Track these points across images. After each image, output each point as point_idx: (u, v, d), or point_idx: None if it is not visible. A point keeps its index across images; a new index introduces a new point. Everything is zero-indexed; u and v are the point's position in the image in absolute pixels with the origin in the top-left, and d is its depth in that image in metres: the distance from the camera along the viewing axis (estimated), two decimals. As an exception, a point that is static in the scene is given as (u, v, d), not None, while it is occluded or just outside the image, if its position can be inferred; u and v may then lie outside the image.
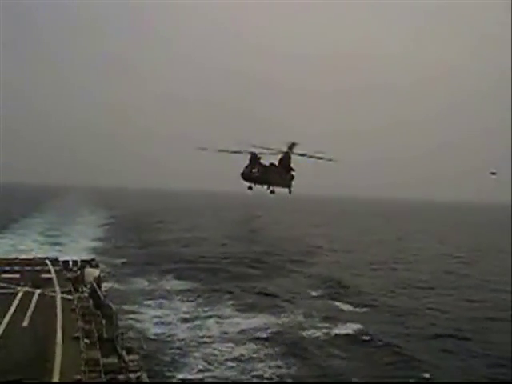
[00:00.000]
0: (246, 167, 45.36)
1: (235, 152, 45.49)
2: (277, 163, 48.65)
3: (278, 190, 48.33)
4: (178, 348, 44.35)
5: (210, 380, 38.37)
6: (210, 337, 47.66)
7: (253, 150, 45.43)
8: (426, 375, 40.59)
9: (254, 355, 43.64)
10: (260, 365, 41.45)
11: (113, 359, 23.13)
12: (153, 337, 46.57)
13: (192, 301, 61.20)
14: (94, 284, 34.43)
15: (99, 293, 32.06)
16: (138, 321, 51.06)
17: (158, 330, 48.93)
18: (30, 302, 30.68)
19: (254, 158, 45.59)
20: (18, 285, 34.85)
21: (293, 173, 50.49)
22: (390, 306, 63.64)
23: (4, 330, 25.15)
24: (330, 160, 46.32)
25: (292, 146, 47.13)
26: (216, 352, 43.71)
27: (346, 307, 62.21)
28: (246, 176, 45.33)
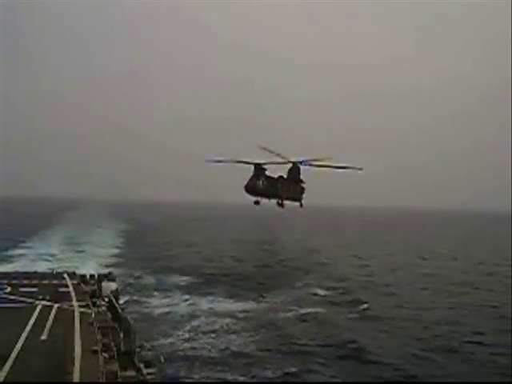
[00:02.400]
0: (251, 179, 42.65)
1: (240, 162, 42.98)
2: (285, 175, 46.37)
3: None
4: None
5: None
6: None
7: (257, 161, 42.86)
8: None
9: (232, 327, 53.41)
10: (233, 335, 50.54)
11: (131, 372, 23.18)
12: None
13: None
14: (112, 297, 34.62)
15: (117, 306, 32.19)
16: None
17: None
18: (49, 315, 30.95)
19: (259, 170, 42.82)
20: (37, 298, 35.20)
21: (303, 185, 48.43)
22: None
23: (24, 343, 25.36)
24: (361, 169, 43.70)
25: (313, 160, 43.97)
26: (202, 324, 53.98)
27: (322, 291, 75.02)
28: (250, 189, 42.54)
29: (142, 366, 24.12)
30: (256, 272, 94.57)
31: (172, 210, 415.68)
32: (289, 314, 60.80)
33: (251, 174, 43.90)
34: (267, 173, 44.95)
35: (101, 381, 20.63)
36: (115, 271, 52.58)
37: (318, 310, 63.39)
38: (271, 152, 42.21)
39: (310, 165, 45.78)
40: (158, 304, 62.98)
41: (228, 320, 55.96)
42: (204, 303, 63.98)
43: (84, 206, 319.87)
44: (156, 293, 69.72)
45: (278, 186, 45.08)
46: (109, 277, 43.08)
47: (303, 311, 62.02)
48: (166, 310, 59.99)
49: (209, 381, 38.79)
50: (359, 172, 44.91)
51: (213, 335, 50.11)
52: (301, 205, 49.30)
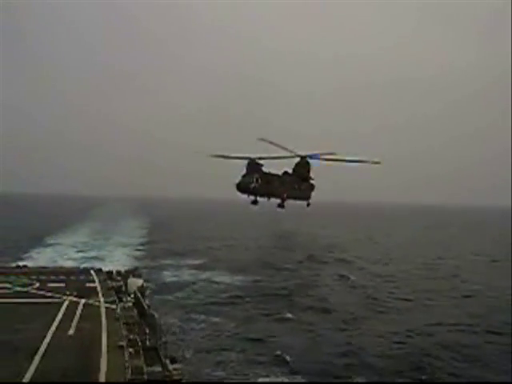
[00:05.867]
0: (243, 176, 37.46)
1: (237, 158, 38.01)
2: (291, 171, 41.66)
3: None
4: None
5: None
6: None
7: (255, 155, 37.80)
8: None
9: (228, 293, 70.33)
10: (225, 294, 69.43)
11: (156, 368, 23.23)
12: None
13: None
14: (138, 293, 34.80)
15: (142, 302, 32.33)
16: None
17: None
18: (76, 310, 31.26)
19: (254, 165, 37.82)
20: (64, 294, 35.62)
21: (312, 182, 43.02)
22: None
23: (51, 338, 25.65)
24: (378, 163, 39.11)
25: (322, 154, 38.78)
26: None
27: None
28: (242, 187, 37.32)
29: (167, 361, 24.15)
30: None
31: (178, 205, 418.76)
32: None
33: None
34: (272, 170, 40.17)
35: (127, 376, 20.73)
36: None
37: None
38: (271, 143, 37.31)
39: (321, 159, 40.63)
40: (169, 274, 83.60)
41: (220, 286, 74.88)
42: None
43: (106, 204, 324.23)
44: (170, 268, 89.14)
45: (277, 184, 39.59)
46: (135, 273, 43.39)
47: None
48: (175, 278, 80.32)
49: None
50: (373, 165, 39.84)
51: (200, 292, 70.46)
52: (308, 204, 44.03)
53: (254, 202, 39.34)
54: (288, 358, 43.48)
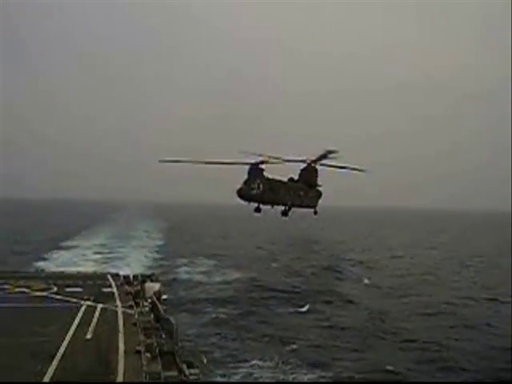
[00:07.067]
0: (245, 182, 35.38)
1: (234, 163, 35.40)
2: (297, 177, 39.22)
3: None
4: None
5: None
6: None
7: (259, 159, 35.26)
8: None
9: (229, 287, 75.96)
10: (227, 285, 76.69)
11: (173, 372, 23.21)
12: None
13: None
14: (155, 298, 34.88)
15: (159, 307, 32.39)
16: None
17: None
18: (93, 315, 31.42)
19: (255, 170, 35.68)
20: (81, 299, 35.82)
21: (319, 188, 41.06)
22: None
23: (69, 342, 25.80)
24: (363, 171, 37.42)
25: (325, 155, 36.05)
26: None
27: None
28: (243, 194, 35.08)
29: (184, 366, 24.11)
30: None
31: (187, 210, 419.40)
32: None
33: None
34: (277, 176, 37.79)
35: (144, 381, 20.76)
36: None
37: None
38: (254, 154, 34.73)
39: (321, 164, 38.44)
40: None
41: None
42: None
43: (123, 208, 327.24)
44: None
45: (282, 191, 37.51)
46: (152, 277, 43.50)
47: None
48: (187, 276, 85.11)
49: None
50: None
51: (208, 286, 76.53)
52: (315, 212, 41.86)
53: (257, 210, 37.35)
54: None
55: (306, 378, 40.31)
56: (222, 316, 59.04)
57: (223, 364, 43.08)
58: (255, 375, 40.81)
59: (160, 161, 35.80)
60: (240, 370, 41.91)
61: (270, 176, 36.74)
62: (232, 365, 43.00)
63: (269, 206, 37.58)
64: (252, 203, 36.41)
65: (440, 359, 45.81)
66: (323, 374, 41.35)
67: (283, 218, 39.21)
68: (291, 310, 64.23)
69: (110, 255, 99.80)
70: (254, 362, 43.53)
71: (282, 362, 43.49)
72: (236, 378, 40.18)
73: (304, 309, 63.93)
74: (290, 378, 40.34)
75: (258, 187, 35.28)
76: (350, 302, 69.57)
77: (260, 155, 34.93)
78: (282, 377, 40.48)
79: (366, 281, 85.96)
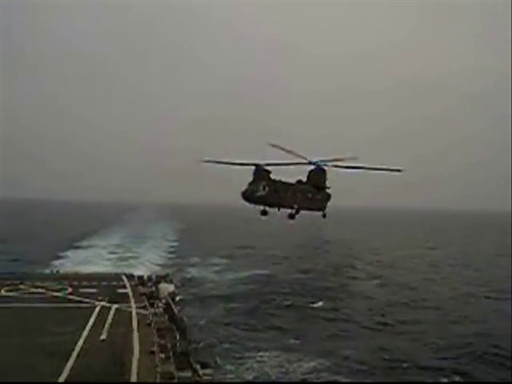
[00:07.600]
0: (250, 184, 34.31)
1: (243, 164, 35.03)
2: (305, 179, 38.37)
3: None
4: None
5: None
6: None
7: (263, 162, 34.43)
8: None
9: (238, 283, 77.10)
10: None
11: (187, 373, 23.31)
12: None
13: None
14: (169, 299, 35.02)
15: (173, 308, 32.52)
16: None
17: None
18: (108, 316, 31.65)
19: (261, 172, 34.63)
20: (96, 299, 36.11)
21: (328, 191, 39.90)
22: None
23: (84, 342, 26.03)
24: (399, 171, 34.94)
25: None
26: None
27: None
28: (247, 196, 33.97)
29: (198, 366, 24.22)
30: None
31: (200, 211, 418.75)
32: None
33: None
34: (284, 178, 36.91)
35: (157, 381, 20.88)
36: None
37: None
38: (283, 150, 33.83)
39: (333, 165, 37.33)
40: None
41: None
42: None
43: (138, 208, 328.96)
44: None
45: (288, 193, 36.36)
46: (166, 278, 43.69)
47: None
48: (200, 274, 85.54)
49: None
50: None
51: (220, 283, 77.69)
52: (324, 215, 40.60)
53: (264, 213, 36.18)
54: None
55: (308, 366, 40.96)
56: (233, 310, 60.13)
57: (233, 353, 43.29)
58: (261, 364, 40.99)
59: (205, 161, 35.37)
60: (247, 359, 42.04)
61: (277, 178, 35.76)
62: (239, 355, 43.13)
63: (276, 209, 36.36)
64: (258, 205, 35.43)
65: (438, 350, 46.89)
66: (325, 361, 42.04)
67: (290, 221, 37.66)
68: (303, 304, 65.20)
69: (125, 254, 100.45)
70: (261, 353, 43.81)
71: (288, 351, 44.26)
72: (243, 367, 40.12)
73: (318, 304, 64.80)
74: (295, 366, 40.92)
75: (263, 189, 34.22)
76: (364, 297, 70.91)
77: (290, 151, 33.89)
78: (286, 365, 40.99)
79: (377, 281, 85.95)
